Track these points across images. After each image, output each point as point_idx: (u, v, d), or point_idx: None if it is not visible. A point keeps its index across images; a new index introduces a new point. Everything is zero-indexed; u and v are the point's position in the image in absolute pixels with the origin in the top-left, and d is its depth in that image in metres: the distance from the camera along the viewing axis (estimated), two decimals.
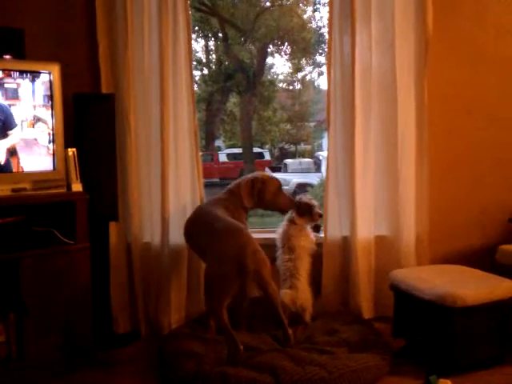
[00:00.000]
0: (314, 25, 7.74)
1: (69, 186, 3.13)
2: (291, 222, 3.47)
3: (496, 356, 3.02)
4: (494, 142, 3.88)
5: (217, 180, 8.63)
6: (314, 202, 3.52)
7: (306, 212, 3.47)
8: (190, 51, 3.61)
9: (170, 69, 3.55)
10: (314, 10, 7.65)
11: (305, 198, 3.56)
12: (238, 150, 8.87)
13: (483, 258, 3.57)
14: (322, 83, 7.63)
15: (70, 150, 3.14)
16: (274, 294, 3.00)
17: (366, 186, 3.67)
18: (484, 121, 3.86)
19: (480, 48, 3.82)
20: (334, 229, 3.72)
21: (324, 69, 6.24)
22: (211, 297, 2.93)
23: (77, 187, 3.13)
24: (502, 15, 3.82)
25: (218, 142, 9.48)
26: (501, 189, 3.87)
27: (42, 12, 3.52)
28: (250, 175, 3.50)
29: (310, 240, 3.47)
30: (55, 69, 3.09)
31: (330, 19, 3.65)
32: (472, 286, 2.96)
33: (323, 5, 6.86)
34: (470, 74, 3.84)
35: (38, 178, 3.06)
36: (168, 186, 3.55)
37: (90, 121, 3.29)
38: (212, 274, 2.95)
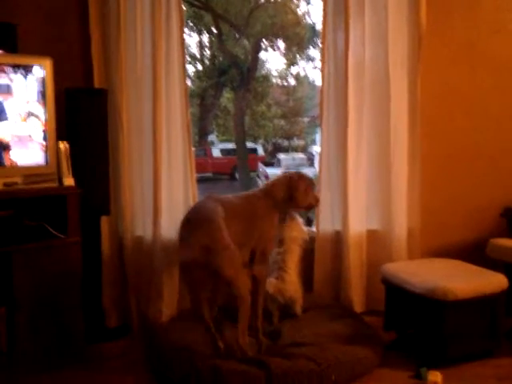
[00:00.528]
0: (308, 20, 7.76)
1: (60, 180, 3.12)
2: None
3: (486, 349, 3.05)
4: (487, 138, 3.90)
5: (210, 175, 8.66)
6: None
7: None
8: (182, 47, 3.61)
9: (162, 64, 3.54)
10: (308, 4, 7.66)
11: None
12: (232, 145, 8.89)
13: (475, 252, 3.58)
14: (317, 78, 7.64)
15: (61, 143, 3.12)
16: (239, 298, 2.75)
17: (359, 181, 3.69)
18: (477, 117, 3.89)
19: (473, 44, 3.85)
20: (326, 223, 3.74)
21: (318, 63, 6.25)
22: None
23: (69, 181, 3.12)
24: (495, 12, 3.84)
25: (212, 137, 9.49)
26: (493, 183, 3.89)
27: (35, 7, 3.49)
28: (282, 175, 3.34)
29: (300, 230, 3.43)
30: (47, 63, 3.07)
31: (324, 14, 3.66)
32: (463, 280, 2.99)
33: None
34: (463, 70, 3.86)
35: (30, 172, 3.05)
36: (160, 180, 3.55)
37: (82, 115, 3.28)
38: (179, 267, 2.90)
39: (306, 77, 8.59)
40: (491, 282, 3.00)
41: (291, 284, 3.27)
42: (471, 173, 3.89)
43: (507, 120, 3.91)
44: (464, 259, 3.35)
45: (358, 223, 3.68)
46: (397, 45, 3.62)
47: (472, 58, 3.86)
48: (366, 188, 3.72)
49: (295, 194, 3.19)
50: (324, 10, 3.65)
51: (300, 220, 3.48)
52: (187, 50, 8.02)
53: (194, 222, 2.84)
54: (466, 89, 3.87)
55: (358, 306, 3.66)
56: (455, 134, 3.87)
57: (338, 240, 3.73)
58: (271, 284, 3.21)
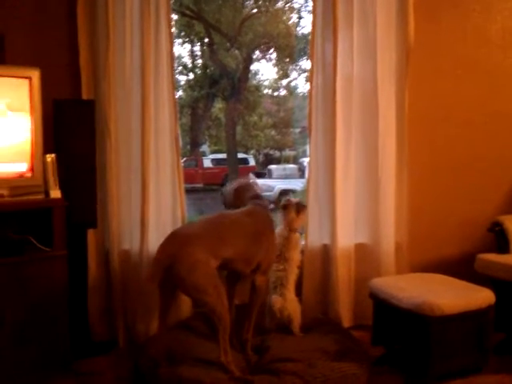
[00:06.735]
0: (299, 31, 7.78)
1: (47, 193, 3.09)
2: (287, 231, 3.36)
3: (473, 365, 3.03)
4: (475, 152, 3.93)
5: (200, 185, 8.63)
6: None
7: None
8: (172, 57, 3.60)
9: (151, 75, 3.53)
10: (299, 18, 7.69)
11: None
12: (223, 156, 8.88)
13: (463, 267, 3.56)
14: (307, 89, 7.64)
15: (48, 156, 3.10)
16: (212, 316, 2.72)
17: (347, 194, 3.68)
18: (465, 130, 3.90)
19: (461, 57, 3.88)
20: (314, 236, 3.72)
21: None
22: None
23: (55, 194, 3.09)
24: (482, 26, 3.89)
25: (204, 148, 9.48)
26: (481, 198, 3.91)
27: (23, 17, 3.48)
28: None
29: (299, 252, 3.40)
30: (35, 74, 3.05)
31: (313, 27, 3.66)
32: (449, 295, 2.97)
33: (308, 12, 6.90)
34: (450, 83, 3.88)
35: (16, 184, 3.02)
36: (148, 192, 3.53)
37: (69, 127, 3.27)
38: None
39: (297, 87, 8.61)
40: (478, 297, 2.99)
41: (291, 302, 3.26)
42: (459, 187, 3.90)
43: (494, 133, 3.93)
44: (452, 274, 3.33)
45: (347, 237, 3.67)
46: (385, 57, 3.63)
47: (460, 70, 3.89)
48: (354, 201, 3.71)
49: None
50: (313, 22, 3.65)
51: (300, 239, 3.46)
52: (179, 59, 8.03)
53: (172, 234, 2.87)
54: (453, 102, 3.89)
55: (346, 320, 3.65)
56: (443, 147, 3.89)
57: (326, 254, 3.71)
58: (277, 301, 3.22)
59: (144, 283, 3.45)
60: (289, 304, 3.25)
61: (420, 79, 3.74)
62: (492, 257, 3.41)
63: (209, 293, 2.68)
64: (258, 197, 3.28)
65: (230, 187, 3.43)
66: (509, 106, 3.94)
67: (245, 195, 3.30)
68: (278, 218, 3.42)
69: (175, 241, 2.78)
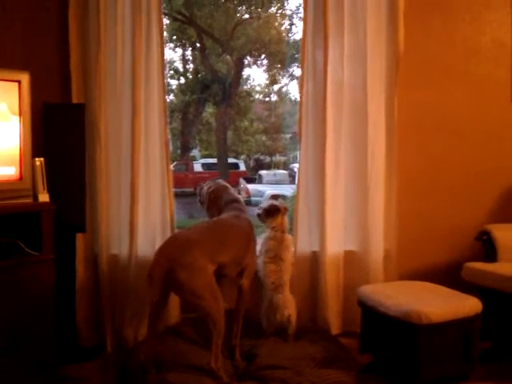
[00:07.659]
0: (291, 38, 7.80)
1: (35, 197, 3.06)
2: (276, 232, 3.41)
3: (460, 373, 3.04)
4: (463, 162, 3.95)
5: (190, 190, 8.61)
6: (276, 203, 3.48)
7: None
8: (162, 62, 3.60)
9: (142, 79, 3.54)
10: (291, 24, 7.71)
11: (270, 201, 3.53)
12: (213, 160, 8.88)
13: (451, 275, 3.57)
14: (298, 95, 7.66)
15: (37, 159, 3.08)
16: (208, 320, 2.74)
17: (336, 201, 3.68)
18: (454, 139, 3.92)
19: (450, 66, 3.90)
20: (303, 243, 3.72)
21: None
22: None
23: (43, 198, 3.07)
24: (472, 36, 3.92)
25: (195, 152, 9.47)
26: (469, 206, 3.92)
27: (13, 20, 3.47)
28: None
29: (292, 253, 3.48)
30: (25, 78, 3.02)
31: (304, 34, 3.67)
32: (437, 304, 2.99)
33: (300, 19, 6.92)
34: (440, 92, 3.90)
35: (4, 188, 2.98)
36: (138, 197, 3.53)
37: (59, 130, 3.26)
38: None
39: (288, 93, 8.62)
40: (465, 305, 3.01)
41: (291, 302, 3.30)
42: (448, 195, 3.92)
43: (483, 142, 3.95)
44: (440, 282, 3.35)
45: (336, 244, 3.68)
46: (375, 65, 3.65)
47: (449, 79, 3.91)
48: (343, 208, 3.72)
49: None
50: (304, 29, 3.67)
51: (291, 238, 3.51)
52: (170, 64, 8.03)
53: (172, 238, 2.93)
54: (442, 110, 3.91)
55: (335, 327, 3.65)
56: (432, 155, 3.90)
57: (315, 260, 3.71)
58: (280, 299, 3.25)
59: (142, 289, 3.43)
60: (289, 303, 3.28)
61: (410, 87, 3.76)
62: (479, 265, 3.43)
63: (205, 298, 2.71)
64: (236, 201, 3.34)
65: (206, 188, 3.47)
66: (497, 116, 3.96)
67: (222, 198, 3.35)
68: (266, 223, 3.45)
69: (175, 245, 2.80)
